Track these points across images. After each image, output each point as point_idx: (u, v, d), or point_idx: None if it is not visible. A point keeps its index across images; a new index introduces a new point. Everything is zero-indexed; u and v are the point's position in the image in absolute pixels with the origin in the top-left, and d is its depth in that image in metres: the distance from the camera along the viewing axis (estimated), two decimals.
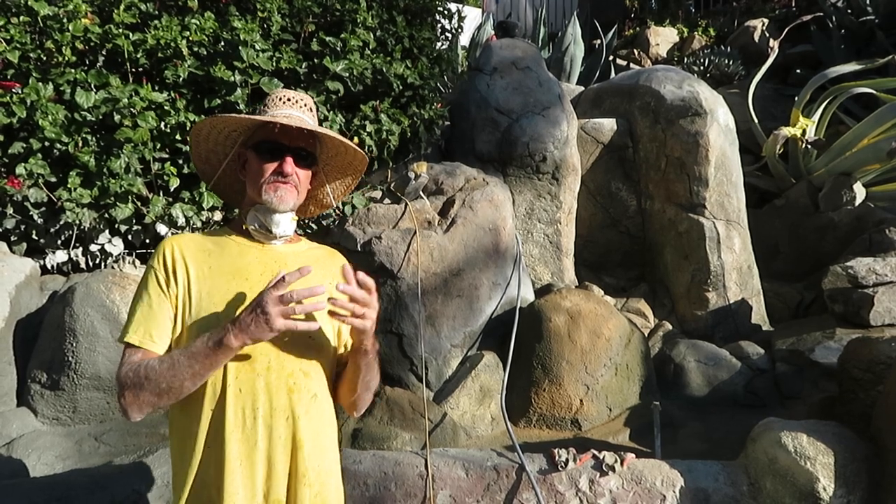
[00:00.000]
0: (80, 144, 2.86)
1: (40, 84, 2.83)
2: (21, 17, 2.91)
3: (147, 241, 3.06)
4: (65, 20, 2.92)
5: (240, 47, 3.10)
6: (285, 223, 1.45)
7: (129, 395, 1.27)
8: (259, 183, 1.42)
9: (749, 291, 3.98)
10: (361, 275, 1.29)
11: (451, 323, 3.06)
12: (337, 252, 1.60)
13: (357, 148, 1.53)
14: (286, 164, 1.41)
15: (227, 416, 1.28)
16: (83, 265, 3.03)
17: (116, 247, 3.01)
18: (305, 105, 1.50)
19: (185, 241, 1.43)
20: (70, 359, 2.59)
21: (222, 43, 3.18)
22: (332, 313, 1.28)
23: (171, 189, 2.99)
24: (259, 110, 1.51)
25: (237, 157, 1.53)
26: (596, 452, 2.17)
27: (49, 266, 2.99)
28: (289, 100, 1.48)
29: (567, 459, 2.13)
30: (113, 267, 3.01)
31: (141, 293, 1.37)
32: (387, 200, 3.37)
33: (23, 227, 2.91)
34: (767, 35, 6.83)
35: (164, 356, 1.29)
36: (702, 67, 6.48)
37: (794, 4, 7.66)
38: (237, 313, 1.28)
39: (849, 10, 6.47)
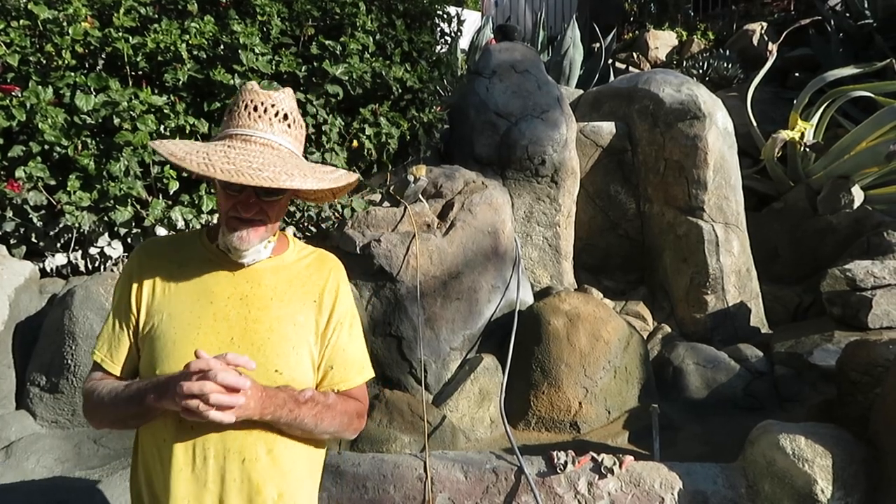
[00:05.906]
0: (80, 148, 2.87)
1: (40, 87, 2.83)
2: (21, 21, 2.92)
3: None
4: (65, 24, 2.93)
5: (239, 51, 3.11)
6: (254, 253, 1.29)
7: (87, 413, 1.33)
8: (222, 215, 1.28)
9: (748, 294, 3.99)
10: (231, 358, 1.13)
11: (450, 326, 3.07)
12: (329, 255, 1.45)
13: (328, 183, 1.28)
14: (245, 208, 1.22)
15: (176, 454, 1.21)
16: (82, 268, 3.04)
17: (116, 250, 3.01)
18: (277, 115, 1.24)
19: (155, 251, 1.36)
20: (69, 362, 2.59)
21: (222, 46, 3.19)
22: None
23: (171, 192, 3.00)
24: (224, 121, 1.29)
25: None
26: (595, 455, 2.17)
27: (48, 269, 2.99)
28: (255, 109, 1.23)
29: (566, 462, 2.14)
30: (112, 270, 3.01)
31: (112, 307, 1.35)
32: (386, 203, 3.38)
33: (22, 231, 2.91)
34: (766, 39, 6.85)
35: (114, 386, 1.25)
36: (700, 71, 6.50)
37: (792, 8, 7.69)
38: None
39: (847, 14, 6.49)
